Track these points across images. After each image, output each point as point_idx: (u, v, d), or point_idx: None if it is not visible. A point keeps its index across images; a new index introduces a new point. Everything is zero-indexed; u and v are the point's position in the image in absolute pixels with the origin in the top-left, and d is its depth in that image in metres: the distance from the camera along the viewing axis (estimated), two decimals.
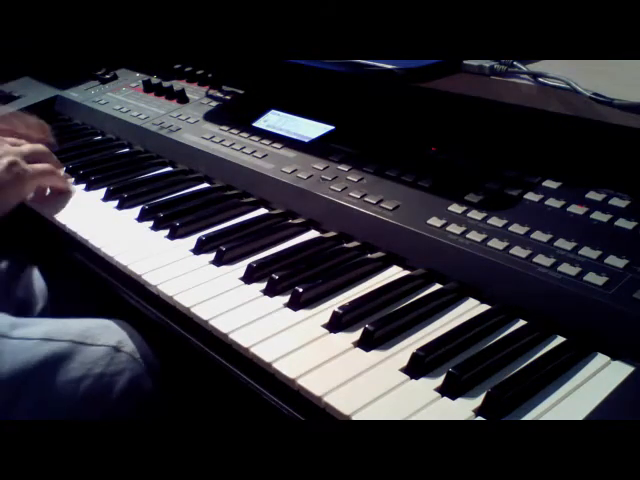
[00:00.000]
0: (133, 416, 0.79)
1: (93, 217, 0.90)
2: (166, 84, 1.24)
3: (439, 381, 0.56)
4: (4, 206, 0.87)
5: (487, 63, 0.80)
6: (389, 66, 0.83)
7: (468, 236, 0.70)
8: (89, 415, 0.76)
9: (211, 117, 1.10)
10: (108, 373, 0.77)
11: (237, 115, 1.08)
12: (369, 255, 0.76)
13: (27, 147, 0.92)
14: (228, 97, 1.16)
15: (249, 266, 0.74)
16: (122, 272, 0.78)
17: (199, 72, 1.25)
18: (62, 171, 1.00)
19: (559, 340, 0.61)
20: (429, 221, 0.73)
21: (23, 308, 0.95)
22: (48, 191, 0.96)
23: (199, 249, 0.80)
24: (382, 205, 0.78)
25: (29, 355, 0.75)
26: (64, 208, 0.94)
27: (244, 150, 0.97)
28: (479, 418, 0.53)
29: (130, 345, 0.81)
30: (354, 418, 0.53)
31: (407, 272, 0.73)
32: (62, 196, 0.96)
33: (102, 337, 0.80)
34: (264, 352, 0.61)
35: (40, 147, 0.95)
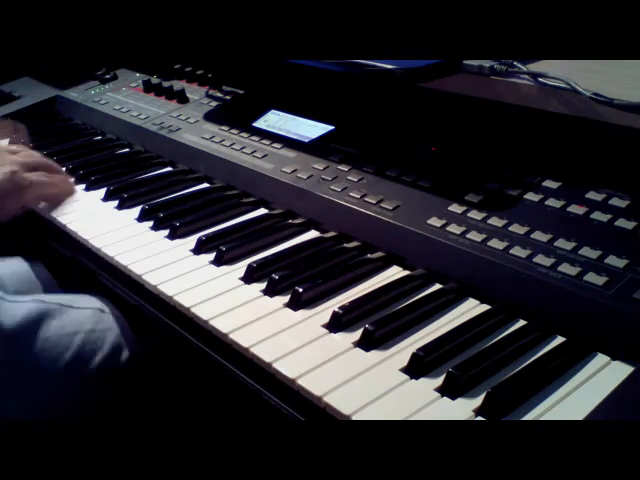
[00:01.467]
0: (123, 370, 0.82)
1: (93, 217, 0.90)
2: (166, 84, 1.24)
3: (439, 381, 0.56)
4: (4, 214, 0.87)
5: (487, 63, 0.80)
6: (389, 66, 0.83)
7: (468, 236, 0.70)
8: (85, 368, 0.79)
9: (211, 117, 1.10)
10: (98, 329, 0.82)
11: (237, 115, 1.08)
12: (369, 255, 0.76)
13: (27, 157, 0.93)
14: (228, 97, 1.16)
15: (249, 266, 0.74)
16: (122, 272, 0.78)
17: (199, 72, 1.25)
18: (68, 180, 0.99)
19: (559, 340, 0.61)
20: (429, 221, 0.73)
21: None
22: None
23: (199, 249, 0.80)
24: (382, 205, 0.78)
25: (26, 312, 0.79)
26: (64, 208, 0.94)
27: (244, 150, 0.97)
28: (479, 418, 0.53)
29: (111, 309, 0.85)
30: (354, 418, 0.53)
31: (407, 272, 0.73)
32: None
33: (86, 303, 0.85)
34: (264, 352, 0.61)
35: (39, 157, 0.96)
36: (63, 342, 0.79)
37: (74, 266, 0.90)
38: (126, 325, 0.85)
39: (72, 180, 1.00)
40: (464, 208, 0.74)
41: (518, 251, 0.66)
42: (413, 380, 0.57)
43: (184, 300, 0.70)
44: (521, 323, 0.64)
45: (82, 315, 0.83)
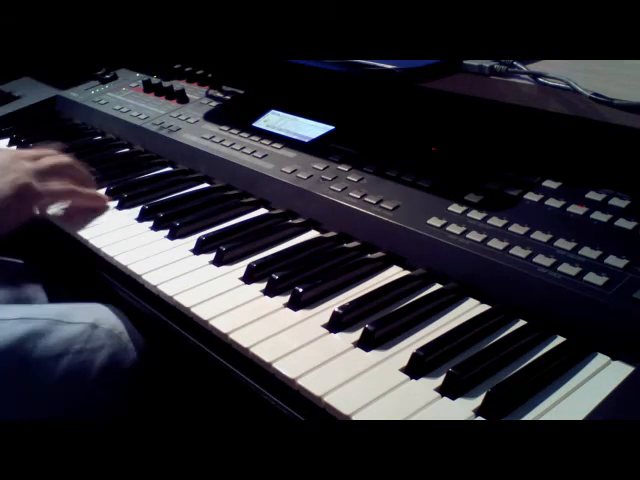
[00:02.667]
0: (114, 394, 0.79)
1: (93, 217, 0.90)
2: (166, 84, 1.24)
3: (439, 381, 0.56)
4: (3, 227, 0.81)
5: (487, 63, 0.80)
6: (389, 66, 0.83)
7: (468, 236, 0.70)
8: (70, 393, 0.76)
9: (211, 117, 1.10)
10: (87, 349, 0.77)
11: (237, 115, 1.08)
12: (369, 255, 0.76)
13: (46, 162, 0.86)
14: (228, 97, 1.16)
15: (249, 266, 0.74)
16: (122, 272, 0.78)
17: (199, 72, 1.25)
18: (96, 194, 0.92)
19: (559, 340, 0.61)
20: (429, 221, 0.73)
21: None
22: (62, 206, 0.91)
23: (199, 249, 0.80)
24: (382, 205, 0.78)
25: (6, 333, 0.74)
26: (63, 209, 0.94)
27: (244, 150, 0.97)
28: (479, 418, 0.53)
29: (108, 322, 0.80)
30: (354, 418, 0.53)
31: (407, 272, 0.73)
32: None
33: (79, 316, 0.80)
34: (264, 352, 0.61)
35: (64, 161, 0.90)
36: (48, 366, 0.75)
37: (74, 266, 0.90)
38: (122, 338, 0.80)
39: (101, 194, 0.94)
40: (464, 208, 0.74)
41: (518, 251, 0.66)
42: (413, 380, 0.57)
43: (184, 300, 0.70)
44: (521, 323, 0.64)
45: (71, 332, 0.78)
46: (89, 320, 0.80)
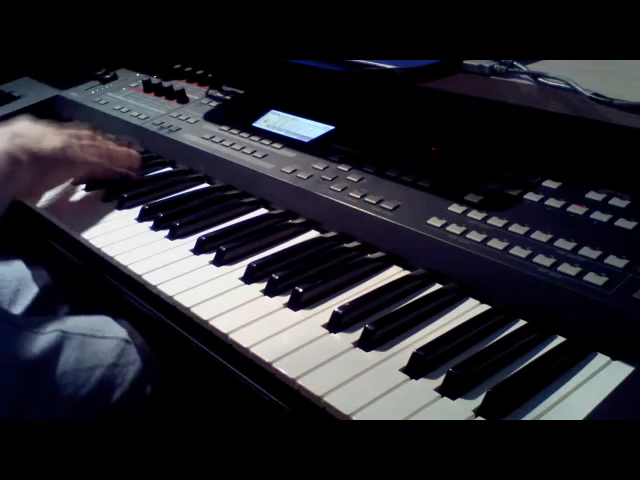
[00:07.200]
0: (142, 406, 0.80)
1: (93, 217, 0.90)
2: (166, 84, 1.24)
3: (439, 381, 0.57)
4: (54, 183, 0.91)
5: (487, 63, 0.80)
6: (389, 66, 0.83)
7: (468, 236, 0.70)
8: (102, 403, 0.78)
9: (211, 117, 1.10)
10: (120, 363, 0.80)
11: (237, 115, 1.08)
12: (369, 255, 0.76)
13: (86, 140, 0.95)
14: (228, 97, 1.16)
15: (249, 266, 0.74)
16: (122, 272, 0.78)
17: (199, 72, 1.25)
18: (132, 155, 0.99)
19: (559, 340, 0.61)
20: (429, 221, 0.73)
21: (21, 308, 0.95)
22: (50, 194, 0.95)
23: (199, 249, 0.80)
24: (382, 205, 0.78)
25: (44, 344, 0.76)
26: (64, 209, 0.94)
27: (244, 150, 0.97)
28: (479, 418, 0.53)
29: (137, 338, 0.83)
30: (354, 418, 0.53)
31: (407, 272, 0.73)
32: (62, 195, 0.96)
33: (111, 331, 0.83)
34: (264, 352, 0.61)
35: (98, 140, 0.97)
36: (81, 377, 0.76)
37: (75, 268, 0.90)
38: (151, 354, 0.83)
39: (137, 155, 1.00)
40: (464, 208, 0.74)
41: (518, 251, 0.66)
42: (413, 380, 0.57)
43: (184, 300, 0.70)
44: (521, 323, 0.64)
45: (105, 347, 0.80)
46: (122, 335, 0.82)
